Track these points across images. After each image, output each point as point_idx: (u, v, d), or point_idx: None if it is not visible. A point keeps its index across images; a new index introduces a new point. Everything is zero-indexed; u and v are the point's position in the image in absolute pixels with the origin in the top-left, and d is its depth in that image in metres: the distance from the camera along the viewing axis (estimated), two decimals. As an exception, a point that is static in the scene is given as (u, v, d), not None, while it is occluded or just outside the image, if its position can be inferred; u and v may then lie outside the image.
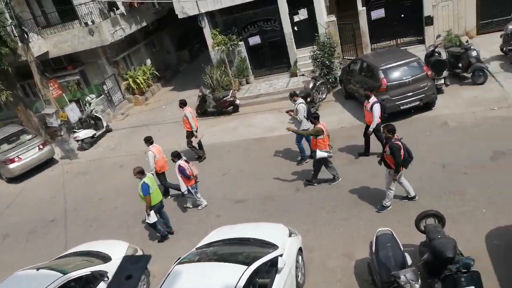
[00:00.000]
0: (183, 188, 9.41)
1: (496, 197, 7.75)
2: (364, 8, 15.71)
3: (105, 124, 16.65)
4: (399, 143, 7.54)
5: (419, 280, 5.45)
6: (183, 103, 11.94)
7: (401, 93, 11.25)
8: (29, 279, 6.77)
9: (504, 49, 12.84)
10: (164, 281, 5.91)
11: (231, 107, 15.20)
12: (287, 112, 11.05)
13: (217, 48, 16.84)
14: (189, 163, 9.47)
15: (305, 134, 9.83)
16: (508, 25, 12.66)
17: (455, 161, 9.08)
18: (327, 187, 9.48)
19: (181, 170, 9.20)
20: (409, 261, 6.00)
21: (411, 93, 11.25)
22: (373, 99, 9.74)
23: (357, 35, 16.00)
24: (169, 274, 6.03)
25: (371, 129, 9.78)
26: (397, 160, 7.51)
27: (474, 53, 12.09)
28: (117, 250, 7.67)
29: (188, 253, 6.73)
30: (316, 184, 9.57)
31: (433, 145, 9.87)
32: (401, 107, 11.32)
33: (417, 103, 11.35)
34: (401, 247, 6.17)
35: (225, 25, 17.17)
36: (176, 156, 9.35)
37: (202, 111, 15.75)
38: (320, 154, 9.07)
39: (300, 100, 10.69)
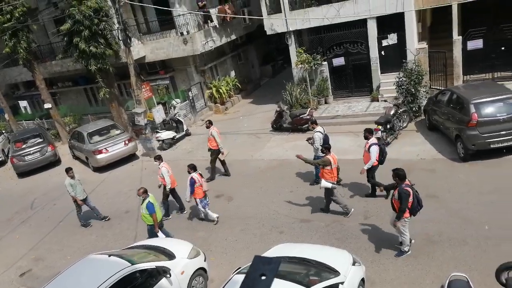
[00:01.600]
0: (188, 197, 10.20)
1: None
2: (460, 37, 14.87)
3: (185, 128, 17.57)
4: (409, 189, 7.35)
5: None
6: (210, 122, 12.96)
7: (493, 130, 10.42)
8: (100, 264, 7.23)
9: None
10: (223, 287, 6.02)
11: (306, 125, 15.18)
12: (307, 140, 11.39)
13: (300, 66, 17.01)
14: (202, 178, 10.21)
15: (312, 163, 9.96)
16: None
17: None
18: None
19: (191, 183, 9.90)
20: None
21: (504, 132, 10.36)
22: (372, 140, 9.74)
23: (449, 65, 15.16)
24: (228, 281, 6.12)
25: (365, 168, 9.71)
26: (403, 206, 7.34)
27: None
28: (182, 249, 7.95)
29: (249, 264, 6.76)
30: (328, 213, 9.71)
31: None
32: (491, 146, 10.46)
33: (511, 143, 10.41)
34: (476, 297, 5.66)
35: (310, 44, 17.31)
36: (192, 168, 10.15)
37: (278, 126, 15.95)
38: (324, 183, 9.21)
39: (318, 128, 10.91)
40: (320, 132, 10.90)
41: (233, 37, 21.19)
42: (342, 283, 6.07)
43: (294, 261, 6.75)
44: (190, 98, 19.31)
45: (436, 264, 7.45)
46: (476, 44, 14.74)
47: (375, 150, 9.60)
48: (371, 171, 9.93)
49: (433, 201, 9.42)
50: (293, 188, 11.36)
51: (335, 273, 6.26)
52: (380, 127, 12.32)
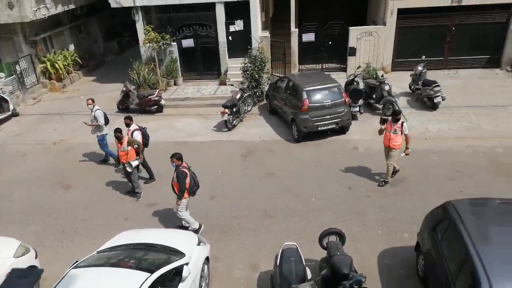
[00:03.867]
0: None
1: (390, 220, 8.54)
2: (297, 29, 16.44)
3: (11, 107, 15.25)
4: (186, 171, 7.93)
5: (316, 294, 5.76)
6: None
7: (321, 114, 11.92)
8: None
9: (412, 87, 14.29)
10: (57, 285, 5.51)
11: (155, 106, 14.85)
12: (86, 123, 11.43)
13: (148, 44, 16.41)
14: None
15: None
16: (417, 66, 14.12)
17: (360, 184, 9.84)
18: (243, 197, 9.67)
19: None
20: (309, 275, 6.33)
21: (329, 116, 11.97)
22: (133, 126, 10.22)
23: (288, 54, 16.66)
24: (62, 278, 5.62)
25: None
26: (181, 187, 7.91)
27: (386, 87, 13.27)
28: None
29: (87, 256, 6.36)
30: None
31: (343, 167, 10.57)
32: (319, 128, 11.99)
33: (334, 126, 12.11)
34: (304, 262, 6.47)
35: (159, 23, 16.81)
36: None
37: (124, 107, 15.19)
38: (134, 163, 9.55)
39: (97, 106, 11.19)
40: (100, 109, 11.06)
41: (72, 6, 19.07)
42: (187, 264, 6.23)
43: (139, 247, 6.62)
44: (18, 72, 16.76)
45: (272, 236, 8.28)
46: (309, 37, 16.52)
47: (137, 136, 10.04)
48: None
49: (271, 179, 10.38)
50: (142, 173, 11.04)
51: (180, 254, 6.39)
52: (227, 110, 12.87)
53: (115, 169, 11.24)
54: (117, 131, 9.47)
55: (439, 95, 13.08)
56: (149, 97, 14.76)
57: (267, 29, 17.76)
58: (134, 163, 9.53)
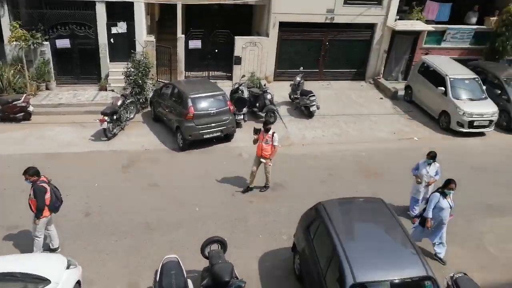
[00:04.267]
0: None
1: (271, 224, 8.97)
2: (183, 36, 16.30)
3: None
4: (45, 185, 7.25)
5: (197, 306, 5.73)
6: None
7: (206, 122, 12.00)
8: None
9: (291, 96, 15.26)
10: None
11: (22, 113, 13.20)
12: None
13: (15, 43, 14.64)
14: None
15: None
16: (296, 77, 15.12)
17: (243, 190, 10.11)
18: (123, 211, 9.19)
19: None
20: (190, 286, 6.29)
21: (214, 124, 12.11)
22: None
23: (174, 60, 16.40)
24: None
25: None
26: (39, 204, 7.14)
27: (269, 96, 13.95)
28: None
29: None
30: None
31: (227, 174, 10.77)
32: (204, 136, 12.04)
33: (219, 133, 12.29)
34: (185, 274, 6.41)
35: (30, 19, 15.09)
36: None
37: (-17, 114, 13.26)
38: None
39: None
40: None
41: None
42: (53, 290, 5.69)
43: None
44: None
45: (154, 251, 8.01)
46: (196, 44, 16.49)
47: None
48: None
49: (154, 190, 10.08)
50: (5, 186, 9.76)
51: (45, 281, 5.82)
52: (106, 117, 12.12)
53: None
54: None
55: (314, 104, 14.20)
56: (14, 103, 13.06)
57: (153, 33, 17.26)
58: None
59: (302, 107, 14.51)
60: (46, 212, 7.30)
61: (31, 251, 7.61)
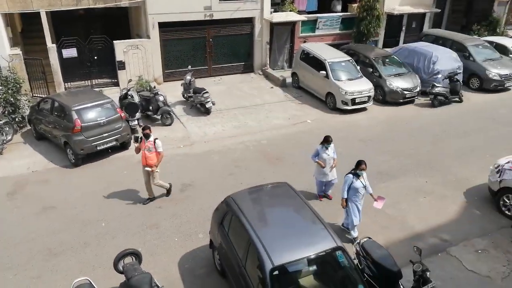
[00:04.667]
0: None
1: (185, 225, 8.77)
2: (55, 45, 14.95)
3: None
4: None
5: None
6: None
7: (97, 133, 11.24)
8: None
9: (185, 95, 15.08)
10: None
11: None
12: None
13: None
14: None
15: None
16: (186, 75, 14.97)
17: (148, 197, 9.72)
18: (16, 241, 8.15)
19: None
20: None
21: (106, 134, 11.39)
22: None
23: (48, 72, 15.00)
24: None
25: None
26: None
27: (161, 98, 13.58)
28: None
29: None
30: None
31: (131, 183, 10.22)
32: (98, 148, 11.27)
33: (114, 143, 11.61)
34: (100, 295, 5.96)
35: None
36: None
37: None
38: None
39: None
40: None
41: None
42: None
43: None
44: None
45: (62, 277, 7.29)
46: (70, 52, 15.29)
47: None
48: None
49: (51, 213, 9.15)
50: None
51: None
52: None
53: None
54: None
55: (209, 101, 14.22)
56: None
57: (18, 45, 15.49)
58: None
59: (197, 104, 14.43)
60: None
61: None
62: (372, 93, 14.99)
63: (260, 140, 12.74)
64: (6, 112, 12.67)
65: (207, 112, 14.39)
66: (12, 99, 12.77)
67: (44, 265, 7.59)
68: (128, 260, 6.76)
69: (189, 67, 15.72)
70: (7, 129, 12.32)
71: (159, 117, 13.55)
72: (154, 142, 9.03)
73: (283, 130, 13.46)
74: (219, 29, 17.54)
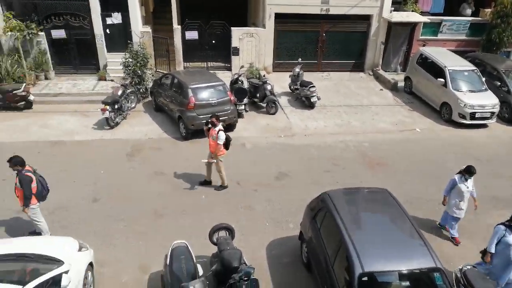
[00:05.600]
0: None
1: (277, 212, 9.01)
2: (179, 26, 16.21)
3: None
4: (31, 175, 7.29)
5: (206, 290, 5.75)
6: None
7: (207, 112, 11.91)
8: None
9: (292, 87, 15.29)
10: None
11: (23, 102, 13.14)
12: None
13: (10, 33, 14.45)
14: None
15: None
16: (295, 67, 15.15)
17: (248, 179, 10.15)
18: (130, 197, 9.20)
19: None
20: (200, 271, 6.32)
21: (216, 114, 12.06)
22: None
23: (171, 51, 16.33)
24: None
25: None
26: (26, 193, 7.23)
27: (269, 87, 13.96)
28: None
29: None
30: None
31: (232, 163, 10.74)
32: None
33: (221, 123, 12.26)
34: (194, 259, 6.44)
35: (23, 10, 14.94)
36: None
37: (-17, 104, 13.14)
38: None
39: None
40: None
41: None
42: (66, 272, 5.69)
43: (8, 258, 5.84)
44: None
45: (162, 236, 8.02)
46: (192, 35, 16.43)
47: None
48: None
49: (160, 177, 10.08)
50: (4, 176, 9.66)
51: (58, 262, 5.83)
52: (107, 106, 12.06)
53: None
54: None
55: (315, 95, 14.24)
56: (14, 92, 12.97)
57: (149, 24, 17.13)
58: None
59: (302, 97, 14.55)
60: (33, 200, 7.33)
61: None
62: (496, 109, 13.58)
63: (362, 142, 12.42)
64: (133, 83, 14.18)
65: (311, 106, 14.43)
66: (139, 72, 14.22)
67: (150, 223, 8.45)
68: (222, 233, 7.17)
69: (300, 59, 15.86)
70: (133, 97, 13.81)
71: (264, 105, 13.97)
72: (218, 133, 9.11)
73: (388, 135, 12.93)
74: (334, 25, 17.32)
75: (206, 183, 9.86)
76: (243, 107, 13.44)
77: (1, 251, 6.01)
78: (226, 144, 9.35)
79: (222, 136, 9.13)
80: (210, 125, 9.25)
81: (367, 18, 17.36)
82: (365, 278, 5.54)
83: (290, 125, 13.25)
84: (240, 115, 13.20)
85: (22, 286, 5.02)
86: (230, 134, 12.38)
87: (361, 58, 18.07)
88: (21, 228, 7.94)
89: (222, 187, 9.76)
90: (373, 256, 5.76)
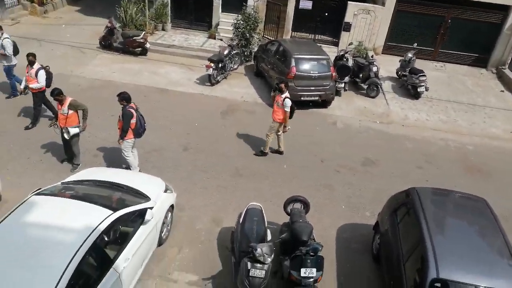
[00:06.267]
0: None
1: (356, 198, 8.75)
2: (296, -5, 16.00)
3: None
4: (133, 111, 7.81)
5: (273, 255, 5.88)
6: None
7: (306, 85, 11.83)
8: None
9: (399, 73, 14.34)
10: (16, 208, 5.36)
11: (140, 49, 14.35)
12: None
13: (139, -17, 15.63)
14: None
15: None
16: (408, 53, 14.11)
17: (332, 158, 9.96)
18: (217, 152, 9.65)
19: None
20: (269, 236, 6.47)
21: (314, 88, 11.91)
22: (37, 65, 9.41)
23: (282, 19, 16.27)
24: (22, 203, 5.46)
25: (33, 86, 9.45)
26: (125, 126, 7.81)
27: (374, 69, 13.25)
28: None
29: (52, 185, 6.22)
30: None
31: (319, 140, 10.66)
32: (302, 98, 11.92)
33: (317, 98, 12.09)
34: (266, 223, 6.59)
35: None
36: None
37: (107, 44, 14.61)
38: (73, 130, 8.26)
39: (6, 35, 10.66)
40: (8, 38, 10.56)
41: None
42: (151, 208, 6.22)
43: (104, 185, 6.53)
44: (-3, -13, 15.71)
45: (240, 195, 8.35)
46: (306, 4, 16.14)
47: (42, 75, 9.39)
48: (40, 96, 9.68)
49: (247, 140, 10.34)
50: (114, 111, 10.74)
51: (146, 198, 6.35)
52: (212, 64, 12.58)
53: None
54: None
55: (423, 85, 13.20)
56: (134, 38, 14.20)
57: (266, -11, 17.17)
58: (73, 130, 8.18)
59: (409, 85, 13.60)
60: (130, 134, 7.95)
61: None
62: None
63: (466, 144, 11.31)
64: (240, 45, 14.52)
65: (416, 96, 13.44)
66: (247, 35, 14.49)
67: (230, 180, 8.81)
68: (297, 205, 7.19)
69: (415, 44, 14.71)
70: (236, 59, 14.19)
71: (365, 86, 13.37)
72: (284, 99, 8.98)
73: (498, 142, 11.59)
74: (463, 12, 15.62)
75: (278, 152, 9.88)
76: (342, 85, 13.03)
77: (98, 177, 6.70)
78: (291, 113, 9.29)
79: (288, 103, 9.04)
80: (277, 91, 9.23)
81: (504, 9, 15.33)
82: (437, 285, 5.17)
83: (388, 112, 12.55)
84: (338, 92, 12.84)
85: (112, 212, 5.49)
86: (324, 110, 12.28)
87: (487, 52, 16.16)
88: (120, 160, 8.81)
89: (263, 153, 9.75)
90: (451, 264, 5.33)
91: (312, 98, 12.06)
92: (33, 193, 5.74)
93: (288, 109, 9.09)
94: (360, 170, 9.68)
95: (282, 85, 9.12)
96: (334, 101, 12.50)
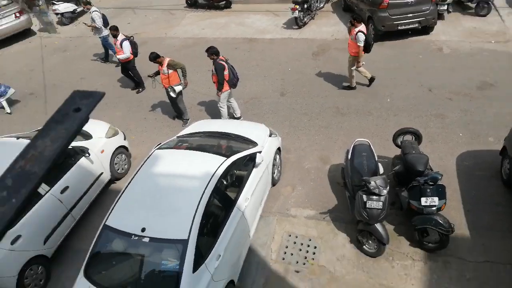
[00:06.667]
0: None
1: (475, 124, 7.95)
2: None
3: None
4: (223, 63, 7.90)
5: (388, 187, 5.67)
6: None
7: (402, 13, 10.83)
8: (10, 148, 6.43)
9: (515, -18, 12.33)
10: (145, 162, 5.93)
11: (224, 2, 14.38)
12: (86, 24, 11.45)
13: None
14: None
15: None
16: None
17: (442, 86, 9.12)
18: (314, 94, 9.46)
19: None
20: (381, 170, 6.23)
21: (411, 14, 10.85)
22: (121, 36, 9.62)
23: None
24: (149, 156, 6.03)
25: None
26: (220, 78, 7.94)
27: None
28: (98, 129, 7.49)
29: (169, 139, 6.74)
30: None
31: (424, 68, 9.80)
32: (399, 27, 10.98)
33: (416, 25, 11.03)
34: (376, 157, 6.35)
35: None
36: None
37: (192, 2, 14.90)
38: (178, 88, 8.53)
39: (94, 8, 10.94)
40: (97, 11, 10.98)
41: None
42: (260, 152, 6.38)
43: (215, 135, 6.86)
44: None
45: (344, 133, 8.13)
46: None
47: (126, 45, 9.57)
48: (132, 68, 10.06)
49: (343, 78, 9.91)
50: (210, 67, 11.04)
51: (253, 143, 6.54)
52: (297, 6, 12.10)
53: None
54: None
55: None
56: (218, -8, 14.26)
57: None
58: (178, 88, 8.46)
59: (528, -6, 11.66)
60: (226, 86, 8.10)
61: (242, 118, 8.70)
62: None
63: None
64: (324, -19, 13.70)
65: (539, 5, 11.51)
66: (331, -31, 13.58)
67: (332, 119, 8.61)
68: (408, 137, 6.80)
69: None
70: (322, -3, 13.47)
71: (473, 5, 11.81)
72: (357, 33, 8.50)
73: None
74: None
75: (352, 88, 9.47)
76: (445, 7, 11.65)
77: (208, 129, 7.11)
78: (367, 47, 8.75)
79: (361, 37, 8.58)
80: (351, 24, 8.84)
81: None
82: None
83: (505, 29, 10.99)
84: (440, 16, 11.55)
85: (226, 158, 5.77)
86: (426, 37, 11.20)
87: None
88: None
89: (350, 87, 9.41)
90: None
91: (411, 26, 11.02)
92: (156, 148, 6.28)
93: (361, 44, 8.63)
94: (477, 95, 8.73)
95: (354, 20, 8.74)
96: (437, 26, 11.28)
